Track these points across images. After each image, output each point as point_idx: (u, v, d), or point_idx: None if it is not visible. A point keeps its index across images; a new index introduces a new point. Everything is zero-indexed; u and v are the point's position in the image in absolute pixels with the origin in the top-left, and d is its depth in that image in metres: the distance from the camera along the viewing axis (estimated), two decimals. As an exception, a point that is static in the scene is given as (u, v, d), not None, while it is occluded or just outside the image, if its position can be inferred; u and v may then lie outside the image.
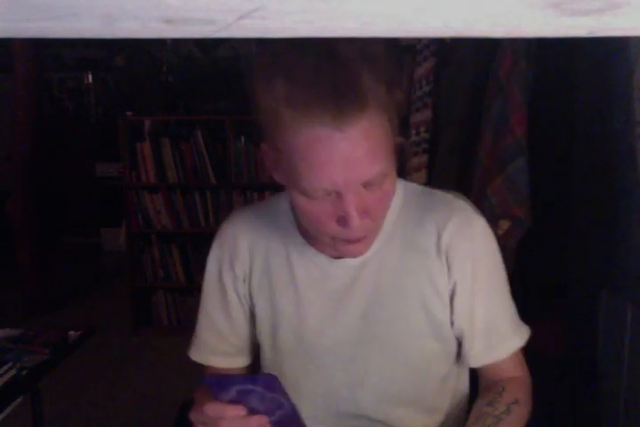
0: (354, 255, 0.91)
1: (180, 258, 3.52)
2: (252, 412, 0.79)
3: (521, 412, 0.95)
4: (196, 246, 3.53)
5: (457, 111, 1.86)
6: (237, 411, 0.79)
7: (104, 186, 5.10)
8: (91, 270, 4.81)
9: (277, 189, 3.50)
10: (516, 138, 1.64)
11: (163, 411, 2.34)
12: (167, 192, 3.46)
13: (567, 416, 1.63)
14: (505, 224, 1.63)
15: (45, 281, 3.90)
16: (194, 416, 0.84)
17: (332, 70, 0.75)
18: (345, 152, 0.76)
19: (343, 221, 0.81)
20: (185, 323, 3.61)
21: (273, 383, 0.76)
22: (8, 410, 1.62)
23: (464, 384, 1.05)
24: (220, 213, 3.46)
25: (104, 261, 5.12)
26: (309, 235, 0.96)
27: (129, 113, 3.46)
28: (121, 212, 3.62)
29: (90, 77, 5.43)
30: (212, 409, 0.80)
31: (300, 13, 0.30)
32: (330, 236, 0.85)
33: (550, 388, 1.45)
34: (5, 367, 1.63)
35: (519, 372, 1.01)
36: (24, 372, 1.68)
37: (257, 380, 0.78)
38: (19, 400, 1.67)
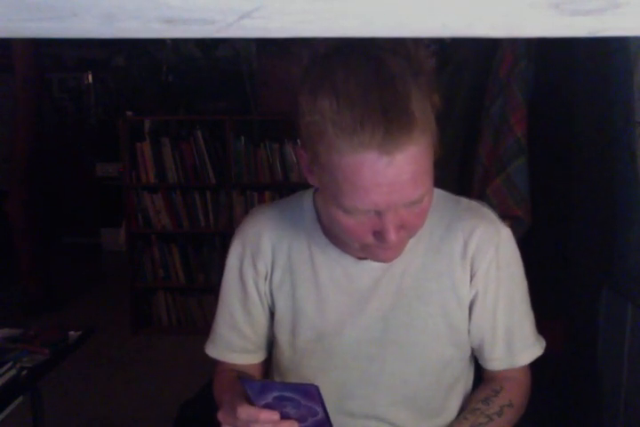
0: (384, 261, 0.91)
1: (179, 258, 3.52)
2: (285, 417, 0.80)
3: (512, 415, 0.98)
4: (196, 246, 3.53)
5: (457, 111, 1.86)
6: (271, 416, 0.79)
7: (104, 186, 5.09)
8: (91, 270, 4.81)
9: (278, 189, 3.49)
10: (516, 138, 1.64)
11: (163, 411, 2.34)
12: (167, 192, 3.46)
13: (567, 415, 1.63)
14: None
15: (45, 281, 3.90)
16: (223, 418, 0.85)
17: (381, 88, 0.74)
18: (390, 177, 0.75)
19: (380, 235, 0.81)
20: (185, 323, 3.61)
21: (313, 393, 0.77)
22: (8, 410, 1.62)
23: (470, 386, 1.06)
24: (220, 213, 3.46)
25: (104, 261, 5.12)
26: (333, 235, 0.96)
27: (129, 113, 3.46)
28: (121, 212, 3.62)
29: (90, 77, 5.42)
30: (246, 413, 0.80)
31: (300, 13, 0.30)
32: (363, 244, 0.86)
33: (551, 387, 1.44)
34: (5, 367, 1.63)
35: (521, 374, 1.03)
36: (24, 372, 1.68)
37: (298, 388, 0.78)
38: (19, 400, 1.67)
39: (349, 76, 0.75)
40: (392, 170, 0.75)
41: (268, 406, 0.80)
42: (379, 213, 0.80)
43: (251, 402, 0.81)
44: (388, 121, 0.73)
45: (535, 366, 1.03)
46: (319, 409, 0.79)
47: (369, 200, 0.77)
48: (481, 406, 0.97)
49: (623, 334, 1.56)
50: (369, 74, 0.75)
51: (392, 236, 0.80)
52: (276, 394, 0.79)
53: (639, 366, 1.51)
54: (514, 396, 0.99)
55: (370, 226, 0.81)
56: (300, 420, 0.80)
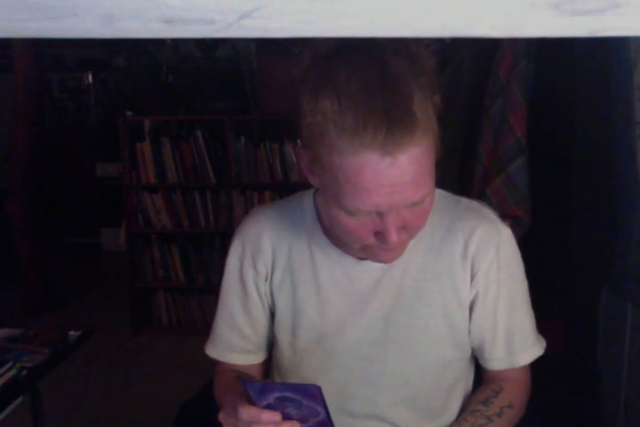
0: (385, 262, 0.90)
1: (180, 258, 3.52)
2: (286, 418, 0.80)
3: (512, 416, 0.98)
4: (196, 246, 3.53)
5: (457, 111, 1.86)
6: (272, 417, 0.79)
7: (104, 186, 5.09)
8: (91, 270, 4.80)
9: (278, 189, 3.49)
10: (516, 138, 1.64)
11: (163, 411, 2.34)
12: (167, 192, 3.46)
13: (567, 416, 1.63)
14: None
15: (45, 281, 3.90)
16: (224, 419, 0.84)
17: (384, 89, 0.74)
18: (392, 178, 0.75)
19: (381, 236, 0.81)
20: (185, 323, 3.61)
21: (315, 393, 0.77)
22: (8, 410, 1.62)
23: (470, 386, 1.07)
24: (220, 213, 3.46)
25: (104, 261, 5.11)
26: (334, 235, 0.96)
27: (129, 113, 3.46)
28: (121, 212, 3.62)
29: (90, 77, 5.42)
30: (247, 413, 0.80)
31: (300, 13, 0.30)
32: (364, 245, 0.86)
33: (550, 387, 1.44)
34: (5, 367, 1.63)
35: (521, 374, 1.03)
36: (24, 372, 1.68)
37: (300, 389, 0.78)
38: (19, 400, 1.67)
39: (351, 76, 0.75)
40: (394, 171, 0.74)
41: (269, 407, 0.80)
42: (380, 214, 0.79)
43: (252, 403, 0.81)
44: (391, 122, 0.72)
45: (535, 366, 1.03)
46: (321, 410, 0.79)
47: (370, 201, 0.77)
48: (481, 408, 0.97)
49: (623, 334, 1.56)
50: (371, 74, 0.75)
51: (393, 237, 0.80)
52: (277, 395, 0.78)
53: (639, 366, 1.51)
54: (513, 397, 0.99)
55: (371, 227, 0.81)
56: (301, 420, 0.80)
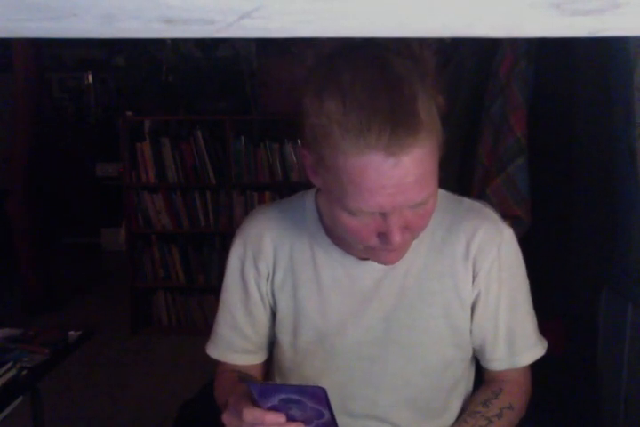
0: (387, 263, 0.91)
1: (179, 258, 3.52)
2: (290, 420, 0.80)
3: (512, 417, 0.98)
4: (196, 246, 3.53)
5: (457, 111, 1.86)
6: (276, 418, 0.79)
7: (104, 186, 5.09)
8: (91, 270, 4.80)
9: (278, 189, 3.49)
10: (516, 138, 1.64)
11: (163, 411, 2.34)
12: (167, 192, 3.46)
13: (567, 416, 1.62)
14: (505, 224, 1.63)
15: (45, 281, 3.90)
16: (228, 420, 0.84)
17: (388, 89, 0.74)
18: (396, 179, 0.75)
19: (384, 237, 0.81)
20: (185, 323, 3.61)
21: (320, 395, 0.77)
22: (8, 410, 1.62)
23: (471, 387, 1.07)
24: (220, 213, 3.46)
25: (104, 261, 5.11)
26: (336, 236, 0.96)
27: (129, 113, 3.46)
28: (121, 212, 3.62)
29: (90, 77, 5.42)
30: (252, 415, 0.79)
31: (300, 13, 0.30)
32: (366, 246, 0.86)
33: (551, 387, 1.44)
34: (5, 367, 1.63)
35: (522, 375, 1.03)
36: (24, 372, 1.68)
37: (305, 391, 0.78)
38: (19, 400, 1.67)
39: (356, 77, 0.75)
40: (397, 172, 0.75)
41: (273, 409, 0.80)
42: (383, 215, 0.79)
43: (256, 404, 0.81)
44: (395, 123, 0.73)
45: (535, 366, 1.03)
46: (325, 411, 0.79)
47: (374, 202, 0.77)
48: (481, 409, 0.97)
49: (623, 334, 1.56)
50: (375, 75, 0.75)
51: (396, 237, 0.80)
52: (282, 396, 0.78)
53: (639, 366, 1.51)
54: (514, 398, 0.99)
55: (374, 227, 0.81)
56: (305, 422, 0.80)
